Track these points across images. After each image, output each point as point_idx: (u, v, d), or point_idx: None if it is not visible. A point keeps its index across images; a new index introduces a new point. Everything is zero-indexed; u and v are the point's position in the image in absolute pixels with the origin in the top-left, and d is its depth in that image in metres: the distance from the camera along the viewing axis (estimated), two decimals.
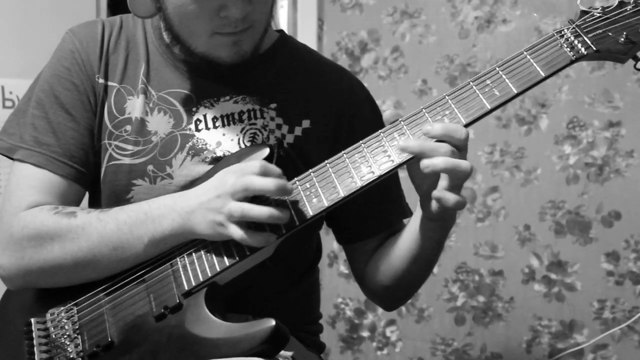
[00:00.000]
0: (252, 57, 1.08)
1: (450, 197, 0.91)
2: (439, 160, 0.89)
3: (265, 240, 0.94)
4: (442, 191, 0.91)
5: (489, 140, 2.22)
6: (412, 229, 1.08)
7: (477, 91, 0.93)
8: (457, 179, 0.90)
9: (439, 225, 1.02)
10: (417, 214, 1.05)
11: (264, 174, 0.94)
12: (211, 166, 1.07)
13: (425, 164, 0.89)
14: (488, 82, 0.94)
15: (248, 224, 0.94)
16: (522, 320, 2.19)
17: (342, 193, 0.95)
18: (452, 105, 0.93)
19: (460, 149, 0.91)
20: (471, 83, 0.94)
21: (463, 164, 0.89)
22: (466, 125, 0.93)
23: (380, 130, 0.97)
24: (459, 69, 2.26)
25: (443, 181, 0.92)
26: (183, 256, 0.99)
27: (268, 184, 0.92)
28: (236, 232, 0.93)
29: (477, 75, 0.95)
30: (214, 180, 0.97)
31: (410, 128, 0.95)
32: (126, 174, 1.08)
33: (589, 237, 2.11)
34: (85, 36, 1.13)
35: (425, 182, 0.96)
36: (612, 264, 2.08)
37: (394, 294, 1.19)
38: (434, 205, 0.95)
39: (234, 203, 0.93)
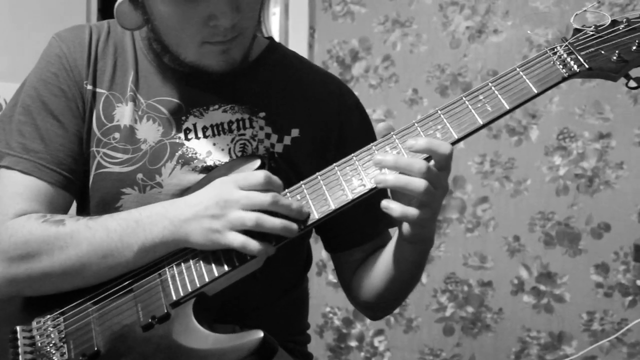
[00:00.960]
0: (242, 65, 1.08)
1: (395, 208, 0.92)
2: (390, 177, 0.90)
3: (265, 250, 0.94)
4: (389, 200, 0.92)
5: (479, 150, 2.24)
6: (390, 249, 1.09)
7: (470, 106, 0.94)
8: (414, 198, 0.91)
9: (415, 247, 1.02)
10: (395, 236, 1.06)
11: (268, 185, 0.95)
12: (202, 175, 1.07)
13: (378, 179, 0.91)
14: (481, 97, 0.95)
15: (246, 234, 0.94)
16: (510, 331, 2.20)
17: (333, 205, 0.95)
18: (445, 120, 0.94)
19: (442, 165, 0.92)
20: (464, 98, 0.95)
21: (415, 183, 0.90)
22: (458, 140, 0.94)
23: (372, 143, 0.97)
24: (449, 79, 2.27)
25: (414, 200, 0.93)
26: (172, 266, 0.99)
27: (291, 205, 0.94)
28: (235, 238, 0.93)
29: (470, 90, 0.97)
30: (212, 189, 0.97)
31: (402, 142, 0.95)
32: (115, 182, 1.08)
33: (578, 248, 2.13)
34: (72, 41, 1.12)
35: (402, 200, 0.96)
36: (601, 276, 2.09)
37: (377, 308, 1.20)
38: (405, 225, 0.96)
39: (247, 213, 0.93)
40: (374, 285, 1.13)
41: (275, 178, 0.96)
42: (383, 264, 1.11)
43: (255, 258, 0.95)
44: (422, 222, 0.93)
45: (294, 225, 0.93)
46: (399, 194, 0.96)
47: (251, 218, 0.92)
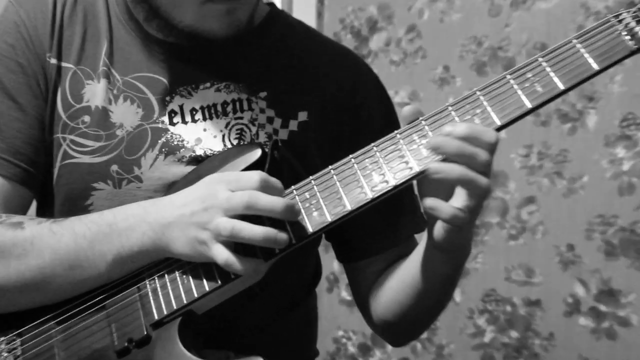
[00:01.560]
0: (247, 28, 1.09)
1: (445, 209, 0.91)
2: (456, 169, 0.89)
3: (253, 268, 0.94)
4: (436, 200, 0.91)
5: (524, 140, 2.23)
6: (417, 258, 1.08)
7: (515, 86, 0.94)
8: (472, 199, 0.91)
9: (448, 256, 1.02)
10: (424, 242, 1.06)
11: (264, 189, 0.94)
12: (190, 168, 1.08)
13: (437, 168, 0.90)
14: (529, 75, 0.94)
15: (235, 246, 0.95)
16: None
17: (349, 206, 0.95)
18: (485, 103, 0.94)
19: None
20: (508, 76, 0.95)
21: (482, 180, 0.90)
22: (501, 127, 0.93)
23: (396, 131, 0.97)
24: (488, 54, 2.26)
25: (455, 198, 0.92)
26: (153, 278, 0.99)
27: (276, 204, 0.93)
28: (220, 254, 0.93)
29: (515, 67, 0.96)
30: (199, 189, 0.97)
31: (433, 129, 0.94)
32: (84, 175, 1.08)
33: None
34: (32, 7, 1.13)
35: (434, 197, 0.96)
36: None
37: (400, 331, 1.20)
38: (438, 228, 0.96)
39: (224, 219, 0.93)
40: (397, 303, 1.13)
41: (274, 181, 0.96)
42: (408, 276, 1.11)
43: (241, 277, 0.96)
44: (462, 224, 0.92)
45: (282, 235, 0.93)
46: (427, 189, 0.96)
47: (226, 227, 0.92)
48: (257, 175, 0.94)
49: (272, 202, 0.93)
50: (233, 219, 0.93)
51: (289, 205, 0.93)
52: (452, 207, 0.90)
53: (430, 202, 0.91)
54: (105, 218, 1.00)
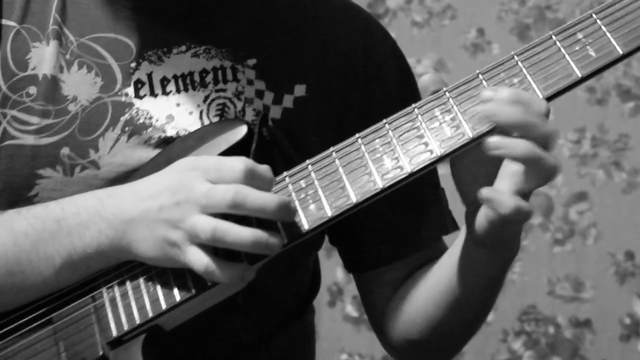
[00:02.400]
0: None
1: (507, 201, 0.89)
2: (522, 144, 0.88)
3: (239, 275, 0.94)
4: (495, 190, 0.91)
5: (575, 122, 2.25)
6: (452, 260, 1.07)
7: (563, 49, 0.93)
8: (532, 183, 0.91)
9: (492, 255, 1.00)
10: (462, 237, 1.04)
11: (251, 181, 0.94)
12: (158, 151, 1.07)
13: (499, 143, 0.89)
14: (579, 36, 0.93)
15: (215, 248, 0.94)
16: None
17: (354, 198, 0.94)
18: (524, 70, 0.93)
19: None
20: (554, 37, 0.93)
21: (551, 160, 0.89)
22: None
23: (414, 105, 0.96)
24: (533, 15, 2.28)
25: (503, 181, 0.92)
26: (112, 286, 0.99)
27: (267, 202, 0.92)
28: (198, 259, 0.92)
29: (563, 26, 0.95)
30: (170, 178, 0.97)
31: (459, 102, 0.93)
32: (27, 159, 1.07)
33: None
34: None
35: (476, 184, 0.96)
36: None
37: (427, 351, 1.19)
38: (481, 219, 0.95)
39: (203, 218, 0.93)
40: (425, 316, 1.12)
41: (263, 169, 0.94)
42: (440, 282, 1.10)
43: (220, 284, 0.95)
44: (525, 220, 0.91)
45: (274, 240, 0.92)
46: (463, 174, 0.96)
47: (206, 228, 0.92)
48: (241, 164, 0.94)
49: (263, 201, 0.92)
50: (213, 217, 0.93)
51: (283, 203, 0.93)
52: (515, 199, 0.89)
53: (488, 193, 0.90)
54: (52, 212, 1.00)
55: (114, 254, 0.99)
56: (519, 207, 0.89)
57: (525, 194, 0.91)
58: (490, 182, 0.93)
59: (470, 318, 1.13)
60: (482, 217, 0.95)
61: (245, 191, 0.93)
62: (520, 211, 0.89)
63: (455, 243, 1.07)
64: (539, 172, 0.90)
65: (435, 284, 1.11)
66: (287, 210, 0.94)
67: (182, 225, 0.94)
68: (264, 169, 0.95)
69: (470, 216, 0.97)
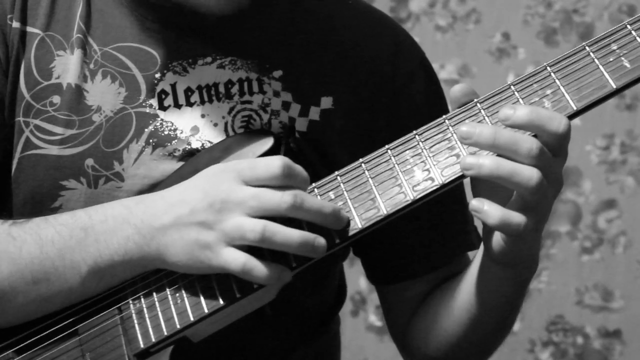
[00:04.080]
0: (252, 6, 1.11)
1: (493, 212, 0.90)
2: (487, 161, 0.89)
3: (277, 275, 0.94)
4: (482, 201, 0.92)
5: (603, 128, 2.24)
6: (471, 276, 1.07)
7: (597, 60, 0.93)
8: (522, 198, 0.91)
9: (509, 272, 1.01)
10: (480, 254, 1.04)
11: (288, 180, 0.94)
12: (182, 163, 1.08)
13: (468, 162, 0.91)
14: (614, 47, 0.94)
15: (249, 250, 0.94)
16: None
17: (385, 210, 0.94)
18: (557, 82, 0.93)
19: (555, 148, 0.91)
20: (587, 48, 0.94)
21: (524, 172, 0.89)
22: (577, 113, 0.94)
23: (445, 116, 0.97)
24: (559, 18, 2.26)
25: (513, 197, 0.92)
26: (139, 296, 0.99)
27: (325, 206, 0.94)
28: (235, 257, 0.93)
29: (597, 37, 0.96)
30: (199, 183, 0.98)
31: (490, 114, 0.94)
32: (51, 170, 1.08)
33: None
34: None
35: (495, 200, 0.94)
36: None
37: None
38: (497, 237, 0.95)
39: (250, 219, 0.93)
40: (446, 332, 1.14)
41: (299, 168, 0.95)
42: (460, 299, 1.11)
43: (264, 288, 0.96)
44: (523, 234, 0.92)
45: (321, 240, 0.93)
46: (481, 190, 0.97)
47: (255, 229, 0.92)
48: (278, 161, 0.94)
49: (320, 205, 0.94)
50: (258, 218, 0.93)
51: (337, 209, 0.94)
52: (502, 210, 0.90)
53: (476, 203, 0.92)
54: (79, 219, 1.00)
55: (141, 262, 0.99)
56: (505, 218, 0.90)
57: (530, 207, 0.92)
58: (507, 195, 0.94)
59: (489, 336, 1.14)
60: (499, 235, 0.96)
61: (303, 195, 0.93)
62: (509, 223, 0.90)
63: (475, 261, 1.07)
64: (517, 189, 0.91)
65: (455, 302, 1.12)
66: (339, 218, 0.95)
67: (219, 227, 0.94)
68: (300, 167, 0.95)
69: (488, 234, 0.98)
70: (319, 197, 0.98)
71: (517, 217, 0.91)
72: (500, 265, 1.01)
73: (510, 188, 0.91)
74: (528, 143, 0.90)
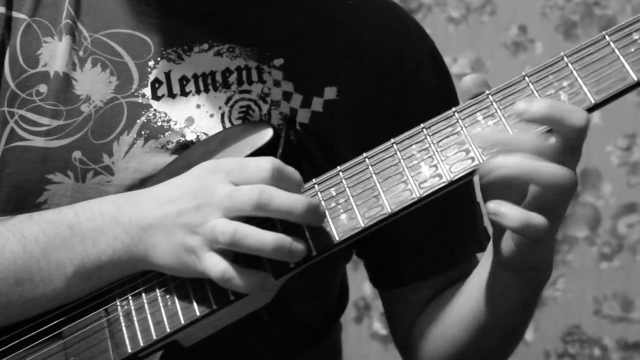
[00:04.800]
0: None
1: (514, 215, 0.88)
2: (510, 162, 0.88)
3: (259, 284, 0.92)
4: (499, 202, 0.89)
5: (624, 128, 2.23)
6: (478, 281, 1.07)
7: (617, 51, 0.91)
8: (541, 198, 0.89)
9: (520, 278, 1.00)
10: (488, 258, 1.04)
11: (278, 182, 0.93)
12: (175, 156, 1.07)
13: (486, 168, 0.88)
14: (635, 36, 0.92)
15: (235, 256, 0.94)
16: None
17: (389, 208, 0.93)
18: (574, 73, 0.91)
19: (572, 145, 0.90)
20: (607, 37, 0.92)
21: (551, 170, 0.88)
22: (595, 107, 0.91)
23: (454, 109, 0.95)
24: (580, 11, 2.26)
25: (529, 197, 0.91)
26: (127, 298, 0.98)
27: (295, 203, 0.91)
28: (214, 264, 0.92)
29: (617, 26, 0.93)
30: (190, 181, 0.97)
31: (503, 106, 0.92)
32: (37, 163, 1.07)
33: None
34: None
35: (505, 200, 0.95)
36: None
37: None
38: (508, 241, 0.94)
39: (223, 221, 0.92)
40: (452, 340, 1.12)
41: (291, 170, 0.94)
42: (467, 305, 1.09)
43: (247, 296, 0.94)
44: (543, 236, 0.91)
45: (298, 245, 0.92)
46: (492, 189, 0.94)
47: (225, 230, 0.92)
48: (268, 163, 0.93)
49: (291, 201, 0.91)
50: (234, 220, 0.92)
51: (312, 205, 0.92)
52: (522, 212, 0.88)
53: (494, 206, 0.89)
54: (65, 217, 1.00)
55: (129, 263, 0.99)
56: (527, 220, 0.88)
57: (547, 208, 0.90)
58: (521, 196, 0.93)
59: (497, 344, 1.13)
60: (510, 238, 0.94)
61: (272, 191, 0.92)
62: (530, 225, 0.88)
63: (483, 264, 1.06)
64: (543, 187, 0.89)
65: (462, 307, 1.12)
66: (315, 213, 0.93)
67: (201, 230, 0.94)
68: (292, 169, 0.94)
69: (498, 238, 0.97)
70: (319, 193, 0.98)
71: (537, 219, 0.89)
72: (512, 270, 1.00)
73: (538, 186, 0.90)
74: (532, 141, 0.90)
